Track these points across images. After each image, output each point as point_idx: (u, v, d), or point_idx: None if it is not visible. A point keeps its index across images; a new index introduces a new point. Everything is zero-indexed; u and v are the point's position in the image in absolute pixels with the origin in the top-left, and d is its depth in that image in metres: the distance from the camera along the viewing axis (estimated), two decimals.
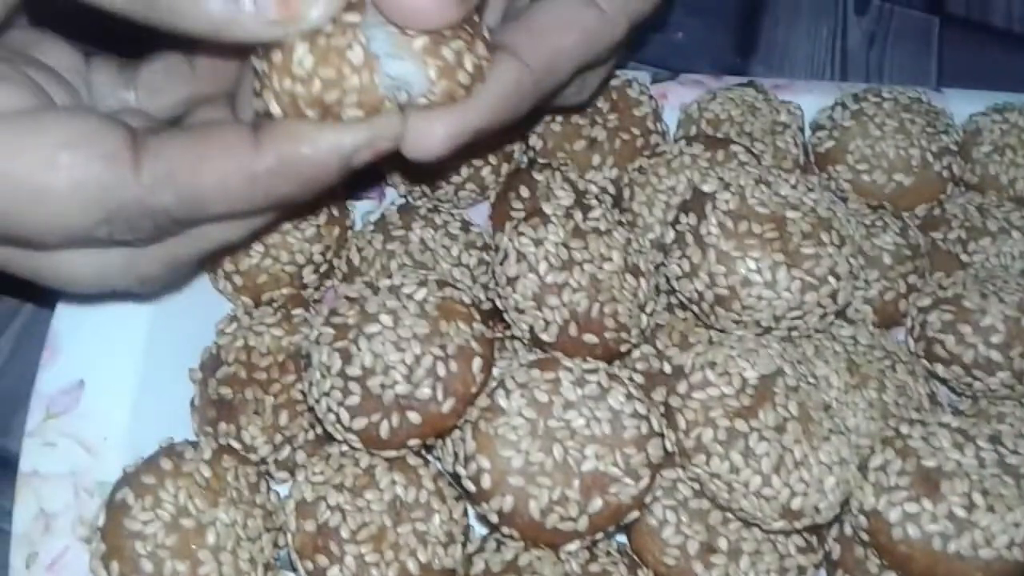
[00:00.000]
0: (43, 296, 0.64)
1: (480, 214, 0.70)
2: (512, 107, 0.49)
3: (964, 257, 0.66)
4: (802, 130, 0.72)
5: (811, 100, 0.74)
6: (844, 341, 0.61)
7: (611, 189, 0.69)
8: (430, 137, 0.46)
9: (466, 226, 0.65)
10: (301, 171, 0.44)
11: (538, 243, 0.56)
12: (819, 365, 0.60)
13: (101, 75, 0.52)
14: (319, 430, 0.58)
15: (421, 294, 0.55)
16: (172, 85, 0.52)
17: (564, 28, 0.51)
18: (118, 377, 0.59)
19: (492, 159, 0.69)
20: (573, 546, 0.52)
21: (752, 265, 0.57)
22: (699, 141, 0.67)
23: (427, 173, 0.67)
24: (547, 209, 0.57)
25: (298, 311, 0.62)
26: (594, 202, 0.59)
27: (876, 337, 0.62)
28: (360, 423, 0.53)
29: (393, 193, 0.72)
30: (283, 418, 0.58)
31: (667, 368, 0.60)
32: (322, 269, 0.64)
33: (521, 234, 0.57)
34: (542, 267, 0.55)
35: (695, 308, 0.60)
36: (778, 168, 0.67)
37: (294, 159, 0.44)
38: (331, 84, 0.44)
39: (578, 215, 0.57)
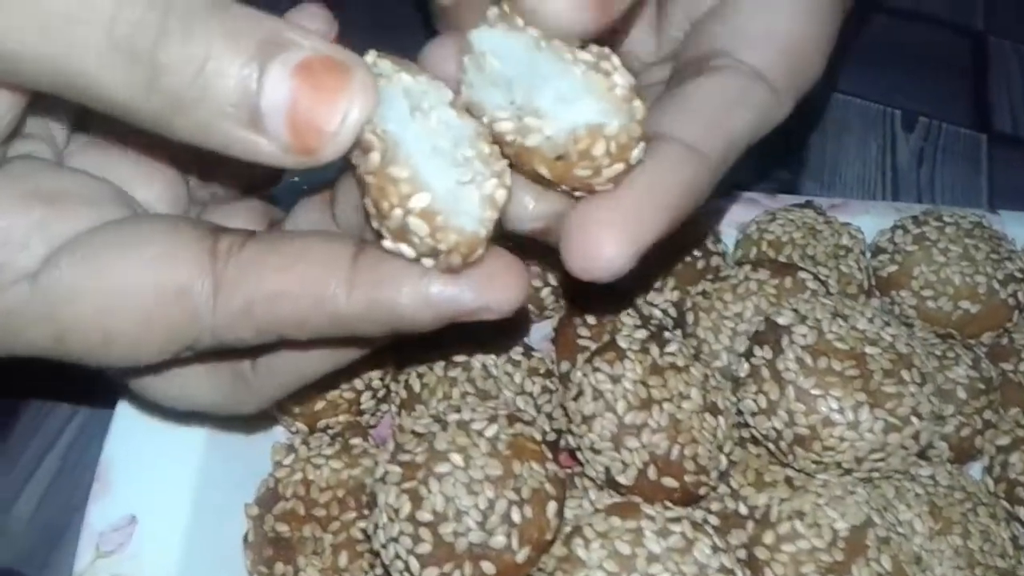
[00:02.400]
0: (101, 399, 0.62)
1: (536, 334, 0.69)
2: (692, 205, 0.42)
3: None
4: (864, 253, 0.71)
5: (867, 221, 0.74)
6: (924, 482, 0.59)
7: (672, 312, 0.68)
8: (598, 249, 0.39)
9: (528, 351, 0.64)
10: (391, 321, 0.39)
11: (615, 380, 0.54)
12: (902, 509, 0.58)
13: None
14: (379, 572, 0.55)
15: (492, 431, 0.53)
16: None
17: (735, 108, 0.44)
18: (171, 511, 0.56)
19: (552, 280, 0.67)
20: None
21: (834, 404, 0.55)
22: (765, 266, 0.66)
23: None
24: (622, 343, 0.56)
25: (357, 440, 0.60)
26: (668, 335, 0.57)
27: (955, 477, 0.60)
28: (431, 573, 0.50)
29: None
30: (343, 559, 0.55)
31: (742, 509, 0.57)
32: (380, 394, 0.62)
33: (597, 370, 0.55)
34: (620, 406, 0.54)
35: (771, 446, 0.58)
36: (847, 295, 0.67)
37: (386, 307, 0.39)
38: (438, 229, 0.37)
39: (654, 350, 0.56)
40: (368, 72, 0.36)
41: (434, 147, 0.38)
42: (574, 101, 0.39)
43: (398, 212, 0.37)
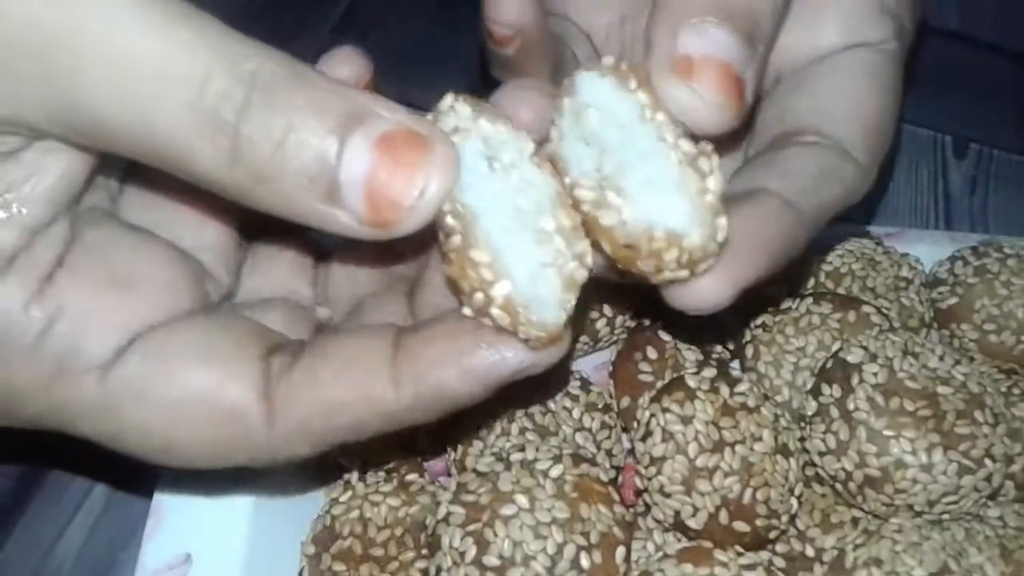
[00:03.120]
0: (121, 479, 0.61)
1: (588, 364, 0.67)
2: (787, 256, 0.43)
3: None
4: (924, 285, 0.70)
5: (923, 250, 0.72)
6: (993, 524, 0.58)
7: (730, 344, 0.66)
8: (700, 292, 0.39)
9: (585, 385, 0.62)
10: (442, 403, 0.40)
11: (686, 421, 0.53)
12: (972, 552, 0.56)
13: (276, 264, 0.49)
14: None
15: (557, 471, 0.52)
16: (353, 281, 0.49)
17: (828, 178, 0.45)
18: (226, 549, 0.55)
19: (607, 311, 0.66)
20: None
21: (907, 446, 0.54)
22: (827, 299, 0.64)
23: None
24: (691, 382, 0.55)
25: (413, 476, 0.58)
26: (737, 373, 0.56)
27: (1023, 517, 0.59)
28: None
29: None
30: None
31: (809, 551, 0.56)
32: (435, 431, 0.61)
33: (666, 410, 0.53)
34: (692, 449, 0.52)
35: (839, 486, 0.56)
36: (909, 329, 0.65)
37: (435, 393, 0.39)
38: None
39: (724, 389, 0.54)
40: (449, 146, 0.35)
41: (515, 208, 0.38)
42: (662, 192, 0.37)
43: (480, 296, 0.37)
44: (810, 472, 0.59)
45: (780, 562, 0.55)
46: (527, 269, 0.37)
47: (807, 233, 0.44)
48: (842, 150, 0.46)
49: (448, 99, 0.38)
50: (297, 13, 0.89)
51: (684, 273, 0.38)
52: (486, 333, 0.38)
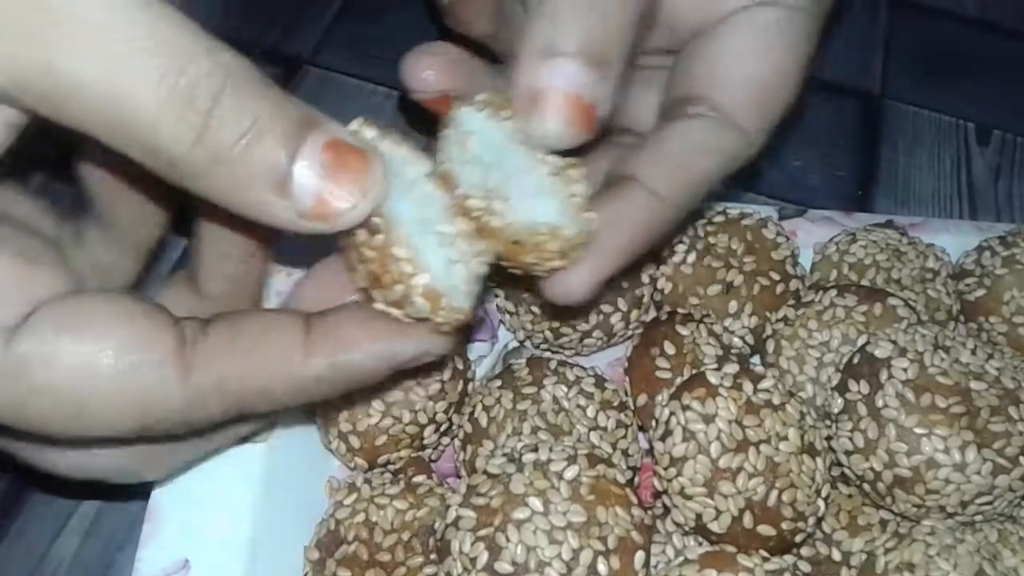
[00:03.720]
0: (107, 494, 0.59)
1: (602, 360, 0.65)
2: (646, 241, 0.48)
3: None
4: (951, 277, 0.67)
5: (948, 240, 0.70)
6: None
7: (750, 339, 0.64)
8: (567, 284, 0.46)
9: (600, 382, 0.60)
10: (350, 377, 0.43)
11: (708, 420, 0.50)
12: (1006, 555, 0.53)
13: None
14: None
15: (572, 472, 0.49)
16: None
17: (702, 155, 0.49)
18: (226, 554, 0.52)
19: (621, 304, 0.63)
20: None
21: (939, 444, 0.51)
22: (851, 291, 0.62)
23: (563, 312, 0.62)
24: (712, 379, 0.52)
25: (421, 478, 0.56)
26: (759, 368, 0.54)
27: None
28: None
29: (506, 335, 0.67)
30: None
31: (836, 555, 0.53)
32: (443, 428, 0.59)
33: (687, 408, 0.51)
34: (714, 449, 0.50)
35: (867, 487, 0.54)
36: (936, 322, 0.62)
37: (343, 366, 0.42)
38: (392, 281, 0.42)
39: (747, 386, 0.52)
40: (381, 159, 0.39)
41: (421, 219, 0.44)
42: (538, 199, 0.45)
43: (400, 288, 0.42)
44: (836, 472, 0.56)
45: (805, 566, 0.52)
46: (440, 264, 0.43)
47: (673, 215, 0.49)
48: (724, 119, 0.49)
49: (355, 124, 0.42)
50: (298, 2, 0.87)
51: (560, 262, 0.46)
52: (394, 321, 0.43)
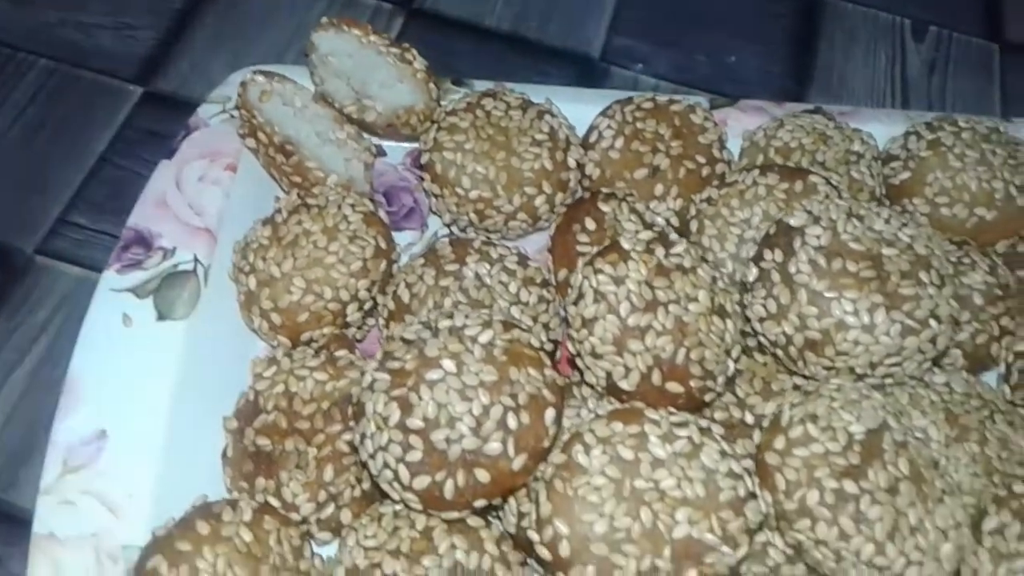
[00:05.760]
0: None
1: (531, 246, 0.65)
2: None
3: None
4: (876, 160, 0.68)
5: (878, 129, 0.70)
6: (939, 390, 0.56)
7: (675, 221, 0.64)
8: None
9: (523, 260, 0.60)
10: None
11: (618, 282, 0.51)
12: (916, 416, 0.55)
13: None
14: (366, 485, 0.52)
15: (486, 336, 0.50)
16: None
17: None
18: (143, 426, 0.53)
19: (546, 187, 0.63)
20: None
21: (848, 307, 0.52)
22: (774, 171, 0.62)
23: None
24: (625, 244, 0.52)
25: (342, 353, 0.56)
26: (675, 236, 0.54)
27: (972, 384, 0.57)
28: (422, 482, 0.47)
29: (436, 222, 0.67)
30: (328, 473, 0.52)
31: (748, 418, 0.55)
32: (366, 306, 0.59)
33: (599, 271, 0.51)
34: (623, 308, 0.50)
35: (780, 352, 0.55)
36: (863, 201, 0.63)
37: None
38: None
39: (660, 250, 0.52)
40: None
41: (319, 134, 0.63)
42: (393, 86, 0.65)
43: (318, 188, 0.61)
44: (753, 343, 0.57)
45: (718, 429, 0.53)
46: (340, 164, 0.63)
47: None
48: None
49: (248, 74, 0.63)
50: None
51: (426, 125, 0.65)
52: None
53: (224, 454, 0.54)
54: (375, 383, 0.49)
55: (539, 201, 0.63)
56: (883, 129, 0.70)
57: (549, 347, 0.56)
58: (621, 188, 0.64)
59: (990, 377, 0.61)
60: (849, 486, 0.47)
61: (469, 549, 0.49)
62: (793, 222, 0.55)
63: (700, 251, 0.60)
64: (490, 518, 0.52)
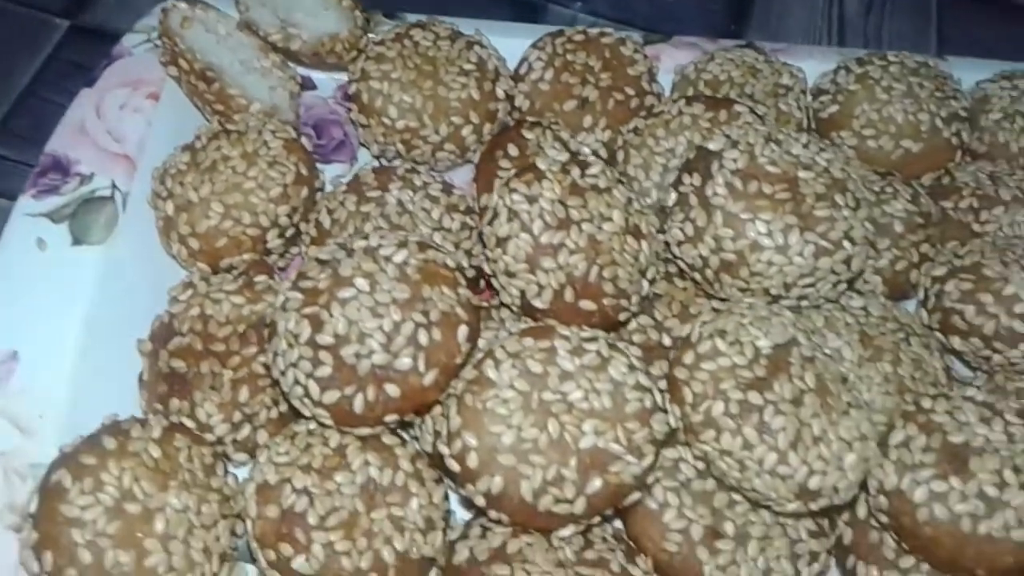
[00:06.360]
0: None
1: (460, 179, 0.65)
2: None
3: (976, 227, 0.63)
4: (805, 93, 0.68)
5: (812, 65, 0.70)
6: (855, 313, 0.57)
7: (603, 152, 0.64)
8: None
9: (448, 188, 0.60)
10: None
11: (532, 200, 0.51)
12: (831, 337, 0.55)
13: None
14: (283, 408, 0.52)
15: (401, 256, 0.50)
16: None
17: None
18: (56, 348, 0.52)
19: (474, 117, 0.63)
20: (567, 531, 0.47)
21: (762, 228, 0.52)
22: (700, 101, 0.62)
23: None
24: (541, 164, 0.52)
25: (261, 278, 0.56)
26: (592, 158, 0.54)
27: (888, 308, 0.58)
28: (331, 396, 0.47)
29: (366, 155, 0.67)
30: (243, 394, 0.52)
31: (666, 340, 0.55)
32: (288, 233, 0.59)
33: (513, 191, 0.51)
34: (536, 226, 0.50)
35: (697, 275, 0.55)
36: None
37: None
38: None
39: (575, 171, 0.52)
40: None
41: (242, 62, 0.63)
42: (318, 14, 0.65)
43: (240, 116, 0.61)
44: (675, 270, 0.57)
45: (636, 352, 0.53)
46: (264, 92, 0.63)
47: None
48: None
49: (170, 1, 0.61)
50: None
51: (353, 54, 0.66)
52: None
53: (140, 378, 0.54)
54: (287, 302, 0.49)
55: (466, 131, 0.63)
56: (815, 65, 0.70)
57: (472, 273, 0.57)
58: (552, 119, 0.64)
59: (912, 307, 0.62)
60: (754, 397, 0.47)
61: (383, 466, 0.49)
62: (712, 146, 0.55)
63: (626, 180, 0.60)
64: (407, 437, 0.52)
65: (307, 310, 0.48)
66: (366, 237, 0.51)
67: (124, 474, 0.46)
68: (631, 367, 0.48)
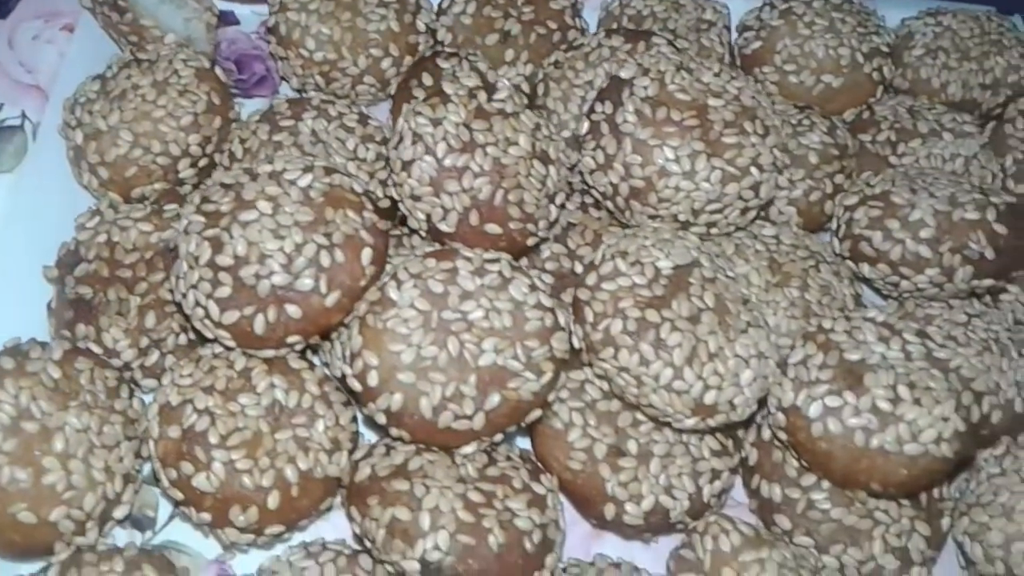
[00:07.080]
0: None
1: (382, 115, 0.65)
2: None
3: (893, 159, 0.63)
4: (728, 29, 0.68)
5: (739, 4, 0.70)
6: (766, 241, 0.58)
7: (525, 87, 0.64)
8: None
9: (364, 119, 0.60)
10: None
11: (436, 123, 0.51)
12: (739, 263, 0.56)
13: None
14: (192, 334, 0.52)
15: (305, 180, 0.49)
16: None
17: None
18: None
19: (393, 50, 0.63)
20: (469, 448, 0.48)
21: (670, 154, 0.53)
22: (619, 33, 0.62)
23: None
24: (448, 89, 0.52)
25: (171, 206, 0.56)
26: (501, 83, 0.54)
27: (800, 237, 0.59)
28: (231, 317, 0.47)
29: (287, 89, 0.66)
30: (150, 319, 0.52)
31: (579, 268, 0.55)
32: (201, 163, 0.58)
33: (418, 114, 0.51)
34: (440, 149, 0.50)
35: (609, 204, 0.55)
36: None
37: None
38: None
39: (482, 95, 0.52)
40: None
41: None
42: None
43: (154, 46, 0.61)
44: (589, 200, 0.58)
45: (548, 279, 0.54)
46: (179, 24, 0.63)
47: None
48: None
49: None
50: None
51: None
52: None
53: (49, 306, 0.54)
54: (190, 225, 0.49)
55: (386, 64, 0.63)
56: (744, 4, 0.70)
57: (386, 203, 0.56)
58: (468, 51, 0.64)
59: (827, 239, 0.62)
60: (651, 315, 0.48)
61: (289, 388, 0.49)
62: (623, 74, 0.55)
63: (546, 114, 0.60)
64: (316, 363, 0.52)
65: (208, 232, 0.48)
66: (271, 162, 0.51)
67: (21, 393, 0.46)
68: (532, 287, 0.48)
